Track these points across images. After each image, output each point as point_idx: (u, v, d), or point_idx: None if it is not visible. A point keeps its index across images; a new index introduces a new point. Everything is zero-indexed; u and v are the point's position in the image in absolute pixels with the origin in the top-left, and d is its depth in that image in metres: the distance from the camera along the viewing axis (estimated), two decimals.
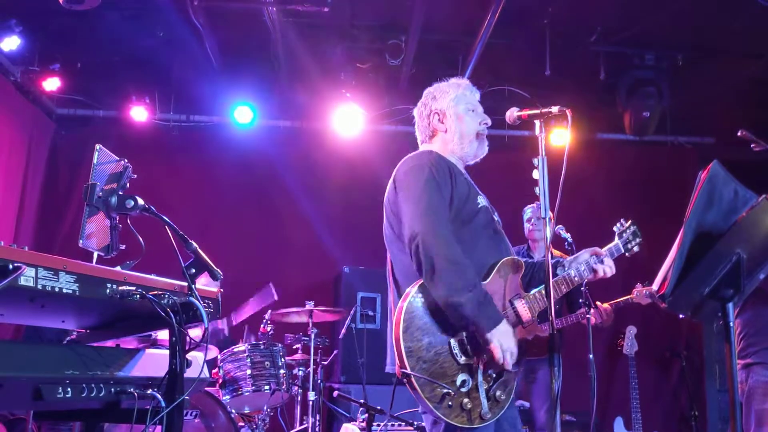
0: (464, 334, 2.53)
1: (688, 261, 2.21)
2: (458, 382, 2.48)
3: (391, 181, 2.79)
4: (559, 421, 2.46)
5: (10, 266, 1.63)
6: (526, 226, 5.14)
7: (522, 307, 2.68)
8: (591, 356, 4.02)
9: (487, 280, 2.63)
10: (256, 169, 7.06)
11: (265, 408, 4.80)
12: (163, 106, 7.01)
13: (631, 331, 5.86)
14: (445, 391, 2.43)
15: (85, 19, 5.53)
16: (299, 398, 5.19)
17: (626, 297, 4.76)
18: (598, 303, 4.83)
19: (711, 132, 7.29)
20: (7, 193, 6.21)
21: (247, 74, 6.59)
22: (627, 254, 3.02)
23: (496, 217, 2.88)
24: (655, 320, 6.66)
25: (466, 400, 2.47)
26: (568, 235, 4.62)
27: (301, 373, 5.14)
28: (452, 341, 2.52)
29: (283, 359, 4.88)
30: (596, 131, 7.33)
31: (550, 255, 2.52)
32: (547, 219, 2.56)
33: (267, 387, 4.70)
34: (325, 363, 5.29)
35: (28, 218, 6.54)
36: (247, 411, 4.88)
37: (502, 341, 2.47)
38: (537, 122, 2.67)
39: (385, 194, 2.83)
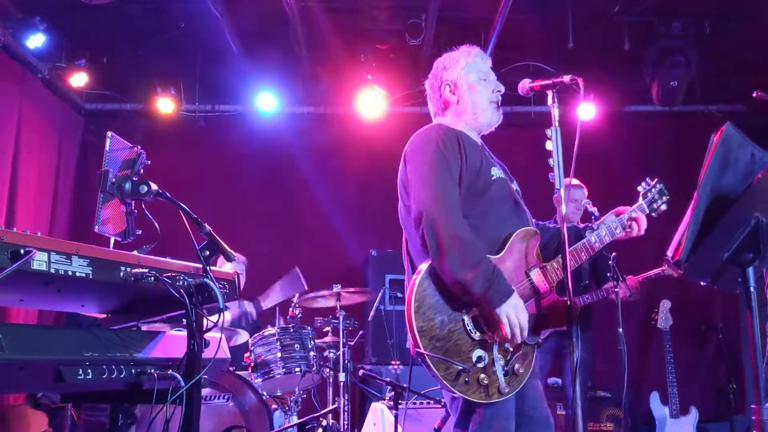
0: (477, 310, 2.50)
1: (704, 226, 2.16)
2: (474, 359, 2.45)
3: (402, 159, 2.76)
4: (580, 391, 2.45)
5: (22, 251, 1.68)
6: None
7: (539, 278, 2.64)
8: (620, 330, 3.98)
9: (501, 253, 2.59)
10: (282, 156, 7.11)
11: (297, 390, 4.86)
12: (188, 97, 7.07)
13: (665, 304, 5.81)
14: (460, 368, 2.41)
15: (109, 13, 5.59)
16: (330, 380, 5.25)
17: (657, 270, 4.74)
18: (626, 276, 4.81)
19: (741, 99, 7.10)
20: (41, 188, 6.35)
21: (268, 61, 6.59)
22: (653, 214, 2.97)
23: (515, 187, 2.82)
24: (689, 294, 6.55)
25: (482, 375, 2.45)
26: (594, 209, 4.57)
27: (332, 355, 5.19)
28: (466, 318, 2.49)
29: (312, 342, 4.92)
30: (624, 103, 7.21)
31: (565, 226, 2.51)
32: (562, 191, 2.55)
33: (298, 369, 4.74)
34: (351, 343, 5.34)
35: (62, 213, 6.69)
36: (279, 393, 4.94)
37: (510, 316, 2.42)
38: (549, 93, 2.65)
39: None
